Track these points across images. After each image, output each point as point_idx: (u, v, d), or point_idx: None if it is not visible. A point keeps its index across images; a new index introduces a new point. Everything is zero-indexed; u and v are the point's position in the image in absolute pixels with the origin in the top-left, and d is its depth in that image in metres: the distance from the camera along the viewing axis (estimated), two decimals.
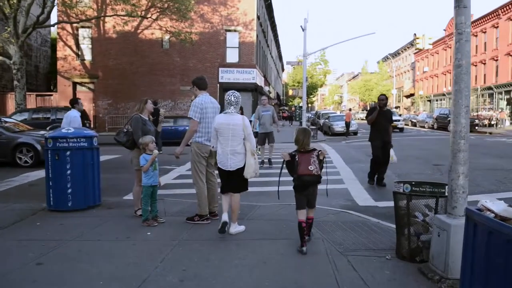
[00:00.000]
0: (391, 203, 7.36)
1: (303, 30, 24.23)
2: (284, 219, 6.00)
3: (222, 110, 5.56)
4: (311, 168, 4.49)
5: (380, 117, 8.88)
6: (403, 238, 4.37)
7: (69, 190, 6.48)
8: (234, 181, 5.15)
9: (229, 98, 5.20)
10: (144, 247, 4.77)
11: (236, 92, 5.32)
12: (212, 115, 5.67)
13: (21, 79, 21.66)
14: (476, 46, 45.58)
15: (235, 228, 5.26)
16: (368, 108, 75.42)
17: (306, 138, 4.68)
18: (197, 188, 5.75)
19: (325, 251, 4.62)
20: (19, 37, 21.25)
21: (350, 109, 31.76)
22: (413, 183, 4.31)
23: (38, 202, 7.00)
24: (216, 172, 5.92)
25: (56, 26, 29.37)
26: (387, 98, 9.34)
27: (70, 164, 6.47)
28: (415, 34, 22.91)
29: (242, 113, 14.30)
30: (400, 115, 42.11)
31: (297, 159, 4.54)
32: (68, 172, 6.46)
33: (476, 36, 45.62)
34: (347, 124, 27.06)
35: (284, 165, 4.75)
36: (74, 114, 9.15)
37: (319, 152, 4.67)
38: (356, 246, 4.76)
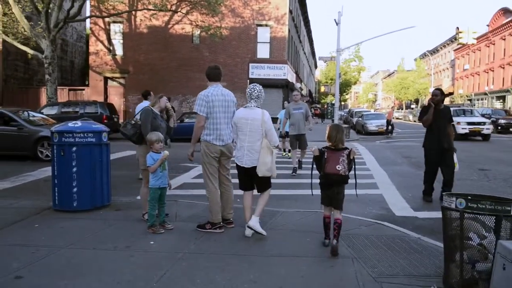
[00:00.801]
0: (432, 214, 6.54)
1: (337, 24, 23.18)
2: (308, 230, 5.24)
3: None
4: (338, 167, 4.31)
5: (436, 117, 7.08)
6: (453, 265, 3.52)
7: (75, 189, 5.96)
8: (253, 179, 4.87)
9: (250, 91, 4.88)
10: (143, 260, 4.13)
11: (258, 85, 4.97)
12: (223, 109, 4.99)
13: (52, 73, 21.73)
14: None
15: (257, 223, 4.81)
16: (415, 107, 72.21)
17: (339, 135, 4.48)
18: (208, 192, 5.09)
19: (354, 275, 3.83)
20: (50, 31, 21.32)
21: (392, 107, 30.67)
22: (469, 197, 3.44)
23: (48, 199, 6.53)
24: (231, 177, 5.28)
25: (89, 21, 29.62)
26: (442, 93, 7.34)
27: (76, 161, 5.95)
28: (458, 28, 21.41)
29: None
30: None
31: (325, 156, 4.37)
32: (74, 169, 5.94)
33: None
34: (388, 123, 26.19)
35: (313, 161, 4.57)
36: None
37: (350, 151, 4.44)
38: (393, 270, 3.94)
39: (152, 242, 4.67)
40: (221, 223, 5.11)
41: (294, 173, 9.82)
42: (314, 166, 4.55)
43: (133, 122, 5.64)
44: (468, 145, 18.05)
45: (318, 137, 23.84)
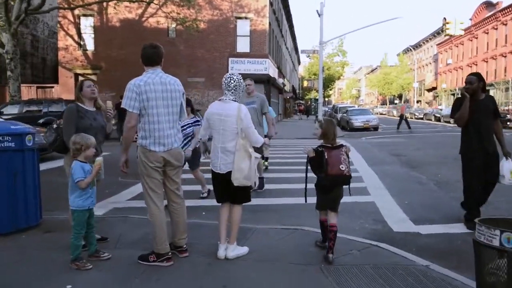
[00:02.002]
0: (437, 229, 5.22)
1: (319, 15, 22.10)
2: (288, 259, 4.02)
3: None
4: (342, 167, 3.91)
5: (474, 111, 5.18)
6: None
7: None
8: (228, 188, 3.94)
9: (227, 81, 3.98)
10: None
11: (236, 74, 4.08)
12: (165, 102, 3.76)
13: (15, 69, 20.14)
14: (506, 35, 42.50)
15: (234, 250, 4.02)
16: (398, 102, 71.89)
17: (335, 130, 4.14)
18: (150, 214, 3.85)
19: None
20: (11, 24, 19.70)
21: (405, 102, 30.60)
22: None
23: None
24: (182, 193, 4.07)
25: (57, 15, 27.90)
26: (481, 79, 5.35)
27: None
28: (445, 19, 20.53)
29: None
30: None
31: (326, 157, 3.90)
32: None
33: (505, 25, 42.55)
34: (401, 117, 26.11)
35: (308, 163, 4.09)
36: None
37: (346, 148, 4.11)
38: None
39: (69, 287, 3.40)
40: (170, 253, 3.87)
41: (258, 189, 7.08)
42: (309, 168, 4.08)
43: (55, 126, 4.34)
44: (457, 140, 17.16)
45: (303, 133, 22.83)
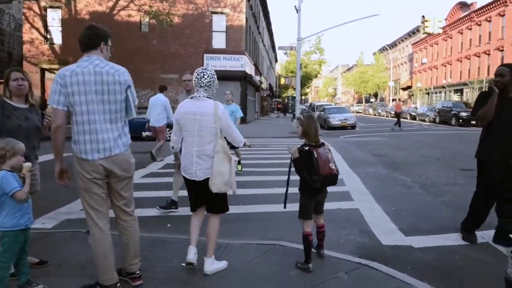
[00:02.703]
0: (431, 240, 4.65)
1: (297, 11, 21.53)
2: (261, 284, 3.37)
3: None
4: (332, 166, 3.70)
5: (502, 109, 4.35)
6: None
7: None
8: (206, 196, 3.57)
9: (199, 76, 3.56)
10: None
11: (209, 69, 3.65)
12: (99, 96, 3.00)
13: None
14: (480, 35, 43.11)
15: (212, 265, 3.64)
16: (374, 100, 72.42)
17: (318, 128, 3.86)
18: (90, 238, 3.12)
19: None
20: None
21: (399, 99, 30.01)
22: None
23: None
24: (133, 209, 3.34)
25: (21, 6, 26.39)
26: None
27: None
28: (423, 17, 20.30)
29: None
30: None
31: (315, 156, 3.63)
32: None
33: (479, 25, 43.15)
34: (398, 115, 25.66)
35: (293, 165, 3.78)
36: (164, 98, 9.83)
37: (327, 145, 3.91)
38: None
39: None
40: (119, 284, 3.14)
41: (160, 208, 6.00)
42: (292, 170, 3.78)
43: None
44: (433, 139, 16.93)
45: (280, 132, 22.24)
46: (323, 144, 3.81)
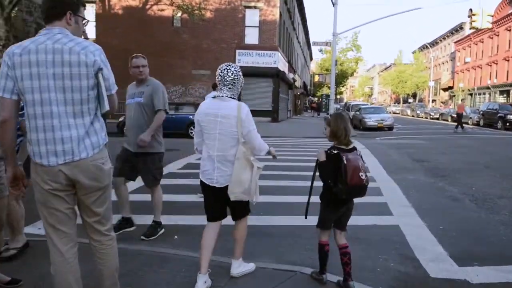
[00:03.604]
0: (492, 274, 3.66)
1: (333, 4, 20.50)
2: None
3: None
4: (362, 175, 3.08)
5: None
6: None
7: None
8: (226, 204, 3.31)
9: (223, 74, 3.21)
10: None
11: (233, 65, 3.28)
12: (58, 82, 2.25)
13: None
14: None
15: (240, 267, 3.52)
16: (412, 101, 69.67)
17: (348, 127, 3.23)
18: (52, 265, 2.42)
19: None
20: (4, 8, 18.48)
21: (462, 99, 28.43)
22: None
23: None
24: (109, 227, 2.61)
25: None
26: None
27: None
28: (471, 10, 18.71)
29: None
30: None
31: (344, 162, 3.04)
32: None
33: None
34: (460, 116, 23.87)
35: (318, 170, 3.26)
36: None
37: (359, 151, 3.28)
38: None
39: None
40: None
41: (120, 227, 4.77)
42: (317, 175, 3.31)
43: None
44: (480, 143, 15.50)
45: (313, 132, 21.26)
46: (354, 148, 3.26)
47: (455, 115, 37.34)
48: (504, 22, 45.53)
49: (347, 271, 3.26)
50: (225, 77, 3.16)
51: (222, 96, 3.16)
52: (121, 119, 17.78)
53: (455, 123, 24.11)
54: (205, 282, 3.20)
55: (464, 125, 31.23)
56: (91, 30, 26.41)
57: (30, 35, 34.01)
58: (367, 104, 36.22)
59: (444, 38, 66.73)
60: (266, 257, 4.00)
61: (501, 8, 47.69)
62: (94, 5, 26.13)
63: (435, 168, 9.61)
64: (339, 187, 3.07)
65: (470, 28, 20.21)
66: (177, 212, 5.47)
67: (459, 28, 59.93)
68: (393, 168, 9.45)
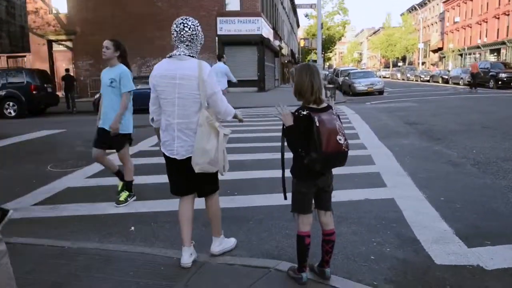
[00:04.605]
0: (508, 255, 2.90)
1: None
2: None
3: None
4: (340, 139, 2.44)
5: None
6: None
7: None
8: (190, 178, 2.90)
9: (179, 29, 2.82)
10: None
11: (191, 20, 2.85)
12: None
13: None
14: None
15: (221, 244, 3.17)
16: (402, 64, 69.26)
17: (318, 82, 2.55)
18: None
19: None
20: None
21: (475, 59, 27.37)
22: None
23: None
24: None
25: None
26: None
27: None
28: None
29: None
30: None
31: (317, 124, 2.37)
32: None
33: None
34: (474, 76, 23.03)
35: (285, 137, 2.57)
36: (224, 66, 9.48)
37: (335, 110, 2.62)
38: None
39: None
40: None
41: None
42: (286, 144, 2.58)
43: None
44: (474, 103, 14.82)
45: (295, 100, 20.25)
46: (328, 107, 2.59)
47: (445, 77, 36.81)
48: None
49: (326, 260, 2.69)
50: (182, 33, 2.80)
51: (180, 55, 2.80)
52: (96, 96, 16.82)
53: (469, 85, 23.42)
54: (191, 254, 2.95)
55: (455, 85, 30.51)
56: (61, 3, 24.90)
57: (0, 13, 32.13)
58: (356, 69, 35.21)
59: None
60: (238, 248, 3.30)
61: None
62: None
63: (429, 131, 8.92)
64: (312, 156, 2.41)
65: None
66: (139, 197, 4.73)
67: None
68: (385, 133, 8.74)
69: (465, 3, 52.36)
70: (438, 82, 37.59)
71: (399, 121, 10.71)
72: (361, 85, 23.00)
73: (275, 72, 34.73)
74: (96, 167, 6.37)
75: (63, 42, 25.19)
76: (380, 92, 23.26)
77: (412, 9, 70.48)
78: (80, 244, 3.48)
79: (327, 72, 32.52)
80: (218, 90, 2.88)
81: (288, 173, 2.61)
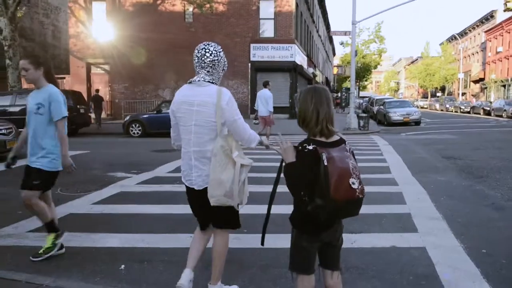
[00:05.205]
0: None
1: None
2: None
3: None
4: (353, 183, 1.93)
5: None
6: None
7: None
8: (209, 209, 2.75)
9: (199, 54, 2.76)
10: None
11: (213, 45, 2.78)
12: None
13: (14, 57, 18.43)
14: None
15: None
16: (441, 95, 67.84)
17: (328, 111, 2.09)
18: None
19: None
20: (8, 7, 17.99)
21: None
22: None
23: None
24: None
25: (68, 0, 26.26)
26: None
27: None
28: None
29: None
30: None
31: (325, 163, 1.91)
32: None
33: None
34: None
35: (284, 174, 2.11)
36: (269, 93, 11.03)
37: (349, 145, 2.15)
38: None
39: None
40: None
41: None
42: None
43: None
44: (505, 135, 13.74)
45: (337, 128, 19.59)
46: (341, 142, 2.11)
47: (487, 108, 35.17)
48: None
49: None
50: (203, 58, 2.73)
51: (199, 81, 2.71)
52: (126, 118, 16.94)
53: None
54: (190, 280, 2.79)
55: (497, 117, 28.98)
56: (102, 28, 25.76)
57: (47, 37, 33.70)
58: (392, 98, 34.26)
59: (473, 28, 63.54)
60: None
61: None
62: (104, 3, 25.44)
63: (469, 167, 8.13)
64: (318, 202, 1.93)
65: (505, 10, 18.30)
66: (140, 229, 4.33)
67: (489, 16, 56.84)
68: (419, 168, 8.03)
69: (508, 33, 50.64)
70: (479, 113, 36.01)
71: (436, 155, 9.93)
72: (396, 114, 22.15)
73: None
74: (105, 192, 6.09)
75: (101, 65, 25.92)
76: (417, 122, 22.32)
77: (452, 38, 68.92)
78: (60, 282, 3.11)
79: (361, 101, 31.79)
80: (239, 117, 2.76)
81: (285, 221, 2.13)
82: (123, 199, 5.70)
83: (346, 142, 2.13)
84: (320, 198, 1.90)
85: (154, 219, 4.79)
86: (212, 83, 2.75)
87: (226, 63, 2.87)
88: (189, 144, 2.77)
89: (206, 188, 2.71)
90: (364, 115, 19.80)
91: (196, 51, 2.77)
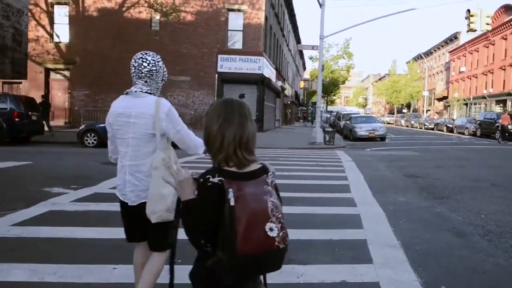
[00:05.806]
0: None
1: (320, 5, 18.98)
2: None
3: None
4: (272, 230, 1.45)
5: None
6: None
7: None
8: (143, 227, 2.62)
9: (136, 64, 2.61)
10: None
11: (151, 55, 2.64)
12: None
13: None
14: None
15: None
16: (406, 111, 69.48)
17: (242, 130, 1.58)
18: None
19: None
20: None
21: (509, 113, 26.15)
22: None
23: None
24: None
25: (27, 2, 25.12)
26: None
27: None
28: (468, 11, 17.16)
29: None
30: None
31: (231, 201, 1.42)
32: None
33: None
34: (504, 129, 22.47)
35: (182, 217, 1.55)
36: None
37: (272, 175, 1.63)
38: None
39: None
40: None
41: None
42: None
43: None
44: (477, 155, 13.85)
45: (301, 143, 19.52)
46: (261, 172, 1.59)
47: (450, 125, 36.04)
48: (500, 30, 44.44)
49: None
50: (140, 68, 2.57)
51: (136, 92, 2.56)
52: (81, 127, 16.04)
53: (498, 137, 22.95)
54: None
55: (459, 135, 29.59)
56: (64, 33, 24.74)
57: (6, 40, 32.20)
58: (359, 113, 34.59)
59: (438, 48, 65.78)
60: None
61: (497, 17, 46.61)
62: (67, 7, 24.45)
63: (431, 187, 7.89)
64: (219, 257, 1.43)
65: (468, 31, 18.72)
66: (57, 258, 3.69)
67: (453, 37, 59.04)
68: (380, 187, 7.71)
69: (471, 53, 52.56)
70: (442, 130, 36.92)
71: (398, 173, 9.70)
72: (362, 130, 22.20)
73: (276, 112, 34.15)
74: (31, 211, 5.39)
75: (60, 71, 24.81)
76: (382, 138, 22.43)
77: (418, 57, 71.05)
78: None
79: (328, 115, 31.87)
80: (181, 127, 2.62)
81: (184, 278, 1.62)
82: (49, 219, 5.03)
83: (270, 173, 1.63)
84: (222, 250, 1.40)
85: (78, 245, 4.17)
86: (150, 93, 2.61)
87: (166, 73, 2.72)
88: (125, 157, 2.62)
89: (140, 204, 2.56)
90: (330, 129, 19.67)
91: (133, 60, 2.61)
